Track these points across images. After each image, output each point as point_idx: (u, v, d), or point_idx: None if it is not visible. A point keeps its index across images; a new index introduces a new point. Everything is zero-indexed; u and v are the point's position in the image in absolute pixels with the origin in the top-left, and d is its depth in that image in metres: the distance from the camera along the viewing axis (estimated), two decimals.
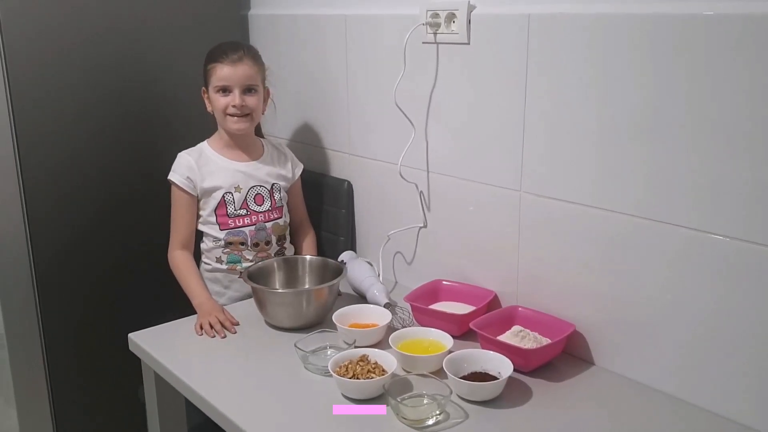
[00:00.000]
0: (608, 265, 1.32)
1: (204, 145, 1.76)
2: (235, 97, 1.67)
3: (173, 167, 1.72)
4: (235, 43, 1.75)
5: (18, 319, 1.80)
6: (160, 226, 1.87)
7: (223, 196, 1.71)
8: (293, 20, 2.00)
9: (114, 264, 1.93)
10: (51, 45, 1.75)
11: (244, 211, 1.73)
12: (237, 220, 1.72)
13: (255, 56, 1.72)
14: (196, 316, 1.62)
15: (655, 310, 1.26)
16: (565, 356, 1.39)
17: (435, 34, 1.55)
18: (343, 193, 1.90)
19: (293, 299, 1.53)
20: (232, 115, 1.69)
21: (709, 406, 1.21)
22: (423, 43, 1.59)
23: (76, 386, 1.92)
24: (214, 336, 1.51)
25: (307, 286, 1.67)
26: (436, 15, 1.54)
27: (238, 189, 1.72)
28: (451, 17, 1.51)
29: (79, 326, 1.90)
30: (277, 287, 1.66)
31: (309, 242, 1.87)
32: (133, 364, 1.56)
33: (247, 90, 1.69)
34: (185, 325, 1.58)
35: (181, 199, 1.71)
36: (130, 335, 1.52)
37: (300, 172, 1.86)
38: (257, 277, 1.61)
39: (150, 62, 1.93)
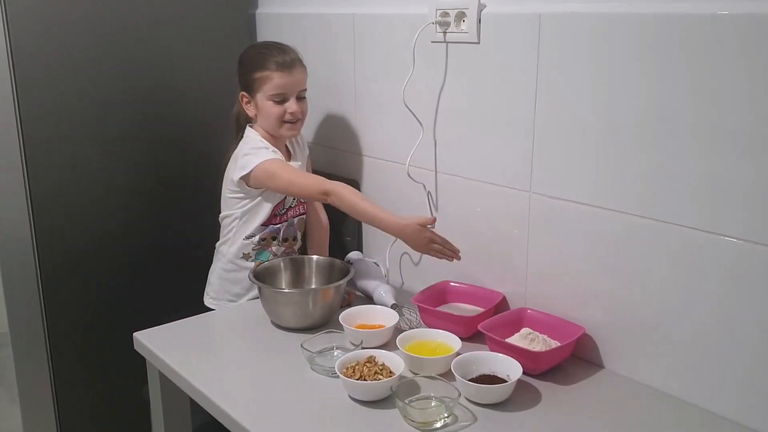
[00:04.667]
0: (618, 267, 1.30)
1: None
2: (292, 105, 1.65)
3: (258, 154, 1.61)
4: (280, 46, 1.69)
5: (22, 318, 1.79)
6: (165, 225, 1.87)
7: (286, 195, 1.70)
8: (301, 19, 1.99)
9: (119, 262, 1.93)
10: (58, 48, 1.74)
11: (285, 209, 1.73)
12: (279, 218, 1.72)
13: (301, 59, 1.70)
14: (202, 315, 1.62)
15: (664, 312, 1.24)
16: (574, 359, 1.38)
17: (444, 33, 1.54)
18: None
19: (300, 299, 1.52)
20: (287, 122, 1.67)
21: (719, 410, 1.19)
22: (432, 42, 1.57)
23: (81, 385, 1.91)
24: (452, 260, 1.50)
25: (313, 286, 1.66)
26: (445, 14, 1.52)
27: None
28: (461, 16, 1.50)
29: (83, 325, 1.89)
30: (284, 287, 1.65)
31: (322, 233, 1.85)
32: (137, 364, 1.55)
33: (300, 95, 1.68)
34: (190, 324, 1.57)
35: (285, 163, 1.64)
36: (135, 334, 1.51)
37: (307, 153, 1.87)
38: (264, 276, 1.60)
39: (156, 63, 1.92)
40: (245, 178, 1.63)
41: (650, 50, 1.19)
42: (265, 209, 1.68)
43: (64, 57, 1.76)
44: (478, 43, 1.49)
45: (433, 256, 1.50)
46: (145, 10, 1.87)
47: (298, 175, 1.64)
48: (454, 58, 1.55)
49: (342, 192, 1.54)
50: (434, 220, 1.49)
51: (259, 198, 1.67)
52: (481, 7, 1.47)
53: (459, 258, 1.50)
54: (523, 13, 1.39)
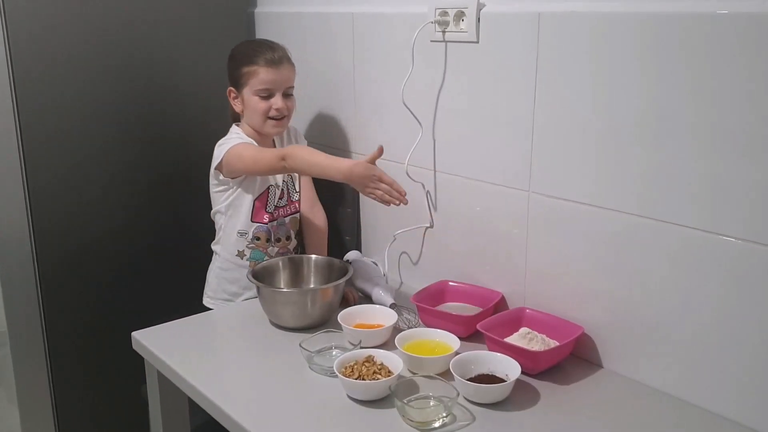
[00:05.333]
0: (617, 266, 1.30)
1: None
2: (278, 101, 1.67)
3: (228, 143, 1.64)
4: (269, 43, 1.71)
5: (21, 317, 1.79)
6: (164, 225, 1.86)
7: (268, 188, 1.71)
8: (300, 18, 1.99)
9: (118, 262, 1.92)
10: (57, 47, 1.74)
11: (274, 207, 1.73)
12: (268, 215, 1.72)
13: (290, 57, 1.71)
14: (201, 314, 1.62)
15: (664, 312, 1.24)
16: (573, 359, 1.37)
17: (444, 32, 1.54)
18: (349, 192, 1.89)
19: (298, 299, 1.52)
20: (272, 118, 1.68)
21: (719, 410, 1.19)
22: (431, 41, 1.57)
23: (79, 384, 1.91)
24: (399, 204, 1.45)
25: (312, 286, 1.65)
26: (444, 13, 1.52)
27: (277, 186, 1.73)
28: (460, 15, 1.50)
29: (82, 324, 1.88)
30: (282, 286, 1.65)
31: (320, 233, 1.84)
32: (136, 363, 1.55)
33: (287, 92, 1.69)
34: (189, 324, 1.57)
35: (250, 145, 1.64)
36: (134, 334, 1.51)
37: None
38: (262, 276, 1.59)
39: (156, 62, 1.91)
40: (219, 167, 1.66)
41: (650, 50, 1.19)
42: (247, 200, 1.69)
43: (63, 56, 1.75)
44: (477, 42, 1.48)
45: (380, 199, 1.45)
46: (144, 9, 1.87)
47: (261, 151, 1.65)
48: (453, 57, 1.55)
49: (295, 152, 1.56)
50: (381, 149, 1.44)
51: (239, 189, 1.69)
52: (480, 7, 1.47)
53: (406, 202, 1.45)
54: (522, 13, 1.39)
